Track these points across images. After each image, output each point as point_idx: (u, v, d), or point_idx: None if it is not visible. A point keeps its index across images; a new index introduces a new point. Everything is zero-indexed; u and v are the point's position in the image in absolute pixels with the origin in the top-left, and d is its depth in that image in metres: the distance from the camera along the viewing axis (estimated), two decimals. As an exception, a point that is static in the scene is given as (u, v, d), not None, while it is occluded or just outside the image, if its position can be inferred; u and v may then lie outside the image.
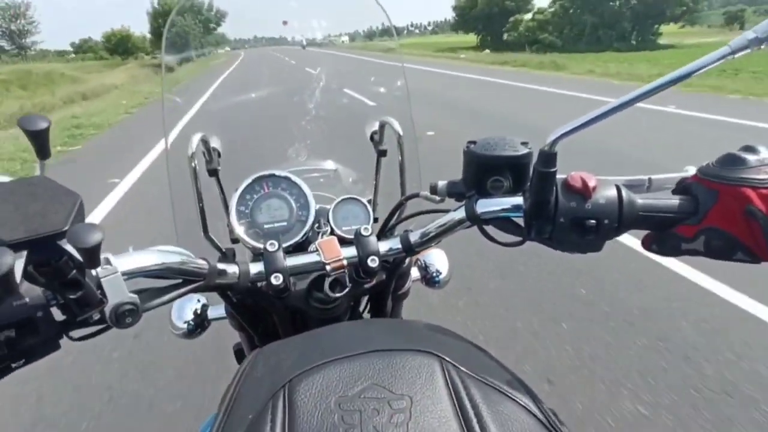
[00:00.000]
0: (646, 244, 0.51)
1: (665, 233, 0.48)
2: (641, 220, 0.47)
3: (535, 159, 0.48)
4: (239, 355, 0.77)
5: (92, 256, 0.31)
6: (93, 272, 0.38)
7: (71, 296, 0.36)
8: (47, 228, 0.31)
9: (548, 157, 0.46)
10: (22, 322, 0.34)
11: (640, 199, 0.47)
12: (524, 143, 0.51)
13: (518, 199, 0.50)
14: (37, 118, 0.36)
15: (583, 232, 0.47)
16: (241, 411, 0.38)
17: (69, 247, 0.32)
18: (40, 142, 0.36)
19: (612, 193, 0.47)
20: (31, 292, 0.35)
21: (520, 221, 0.52)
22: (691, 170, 0.49)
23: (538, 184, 0.48)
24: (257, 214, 0.66)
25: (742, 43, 0.37)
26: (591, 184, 0.46)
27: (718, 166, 0.45)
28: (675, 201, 0.47)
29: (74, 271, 0.35)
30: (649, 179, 0.52)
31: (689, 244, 0.47)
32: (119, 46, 27.52)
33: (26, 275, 0.32)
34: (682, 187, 0.49)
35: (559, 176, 0.48)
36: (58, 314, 0.38)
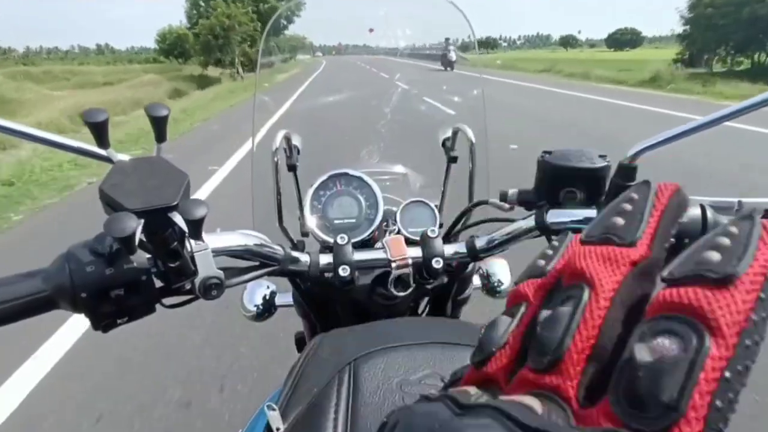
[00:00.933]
0: None
1: None
2: None
3: (612, 172, 0.47)
4: (300, 342, 0.81)
5: (197, 227, 0.35)
6: (188, 247, 0.43)
7: (171, 264, 0.40)
8: (162, 201, 0.36)
9: (628, 171, 0.45)
10: (130, 282, 0.39)
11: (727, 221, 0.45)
12: (602, 156, 0.50)
13: (592, 212, 0.49)
14: (160, 107, 0.41)
15: None
16: (308, 385, 0.40)
17: (177, 219, 0.37)
18: (159, 126, 0.41)
19: (696, 212, 0.45)
20: (139, 258, 0.40)
21: None
22: None
23: (614, 198, 0.46)
24: (329, 209, 0.70)
25: None
26: None
27: None
28: None
29: (176, 243, 0.39)
30: (739, 202, 0.49)
31: None
32: (175, 47, 22.97)
33: (139, 243, 0.36)
34: None
35: None
36: (156, 283, 0.43)
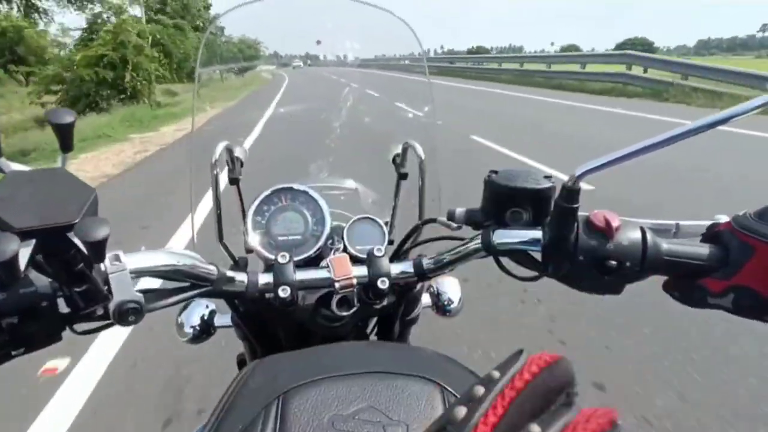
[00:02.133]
0: (668, 289, 0.48)
1: (691, 283, 0.46)
2: (666, 266, 0.45)
3: (557, 194, 0.47)
4: (242, 365, 0.77)
5: (98, 250, 0.31)
6: (102, 267, 0.38)
7: (77, 289, 0.36)
8: (58, 219, 0.32)
9: (570, 193, 0.44)
10: (26, 309, 0.34)
11: (666, 244, 0.45)
12: (547, 177, 0.50)
13: (537, 233, 0.49)
14: (64, 112, 0.37)
15: (602, 272, 0.45)
16: (232, 421, 0.37)
17: (78, 240, 0.32)
18: (64, 134, 0.37)
19: (636, 235, 0.45)
20: (38, 281, 0.35)
21: (538, 255, 0.50)
22: (723, 218, 0.46)
23: (557, 220, 0.46)
24: (273, 225, 0.67)
25: None
26: (614, 224, 0.44)
27: (757, 218, 0.42)
28: (704, 250, 0.45)
29: (81, 264, 0.35)
30: (677, 225, 0.50)
31: (716, 299, 0.44)
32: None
33: (34, 264, 0.32)
34: (712, 234, 0.46)
35: (582, 213, 0.46)
36: (63, 306, 0.38)
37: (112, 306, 0.39)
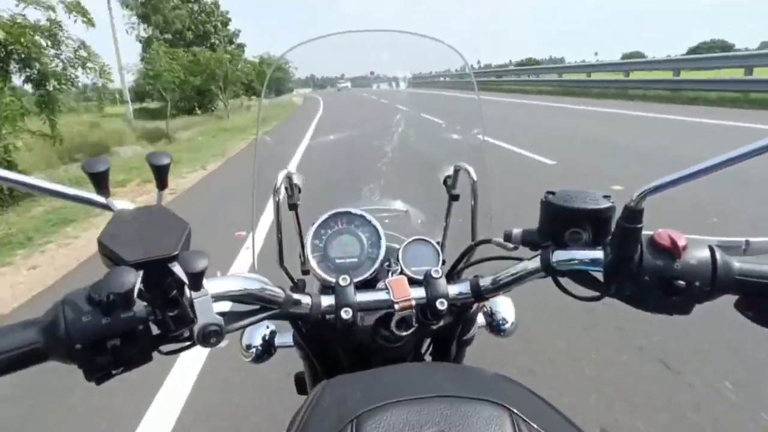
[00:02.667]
0: (741, 308, 0.46)
1: (765, 302, 0.44)
2: (738, 285, 0.44)
3: (618, 214, 0.47)
4: (300, 383, 0.79)
5: (198, 279, 0.35)
6: (187, 294, 0.42)
7: (169, 313, 0.39)
8: (161, 252, 0.35)
9: (634, 213, 0.44)
10: (127, 332, 0.38)
11: (737, 262, 0.44)
12: (606, 196, 0.50)
13: (598, 253, 0.49)
14: (162, 155, 0.41)
15: (669, 293, 0.44)
16: None
17: (177, 269, 0.36)
18: (161, 175, 0.41)
19: (705, 254, 0.44)
20: (136, 308, 0.39)
21: (599, 275, 0.50)
22: None
23: (620, 240, 0.46)
24: (330, 248, 0.69)
25: None
26: (681, 243, 0.44)
27: None
28: None
29: (175, 291, 0.38)
30: (747, 242, 0.48)
31: None
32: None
33: (138, 293, 0.35)
34: None
35: (646, 233, 0.46)
36: (154, 329, 0.42)
37: (196, 329, 0.42)
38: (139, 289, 0.37)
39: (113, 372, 0.40)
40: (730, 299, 0.46)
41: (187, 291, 0.41)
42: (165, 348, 0.44)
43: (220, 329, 0.43)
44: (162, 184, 0.42)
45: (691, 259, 0.44)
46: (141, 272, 0.33)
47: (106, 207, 0.42)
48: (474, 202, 0.72)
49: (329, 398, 0.45)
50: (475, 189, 0.71)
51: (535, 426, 0.38)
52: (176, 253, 0.35)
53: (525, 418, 0.38)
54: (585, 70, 18.62)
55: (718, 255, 0.44)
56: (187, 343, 0.44)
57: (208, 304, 0.42)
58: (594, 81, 16.93)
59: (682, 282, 0.43)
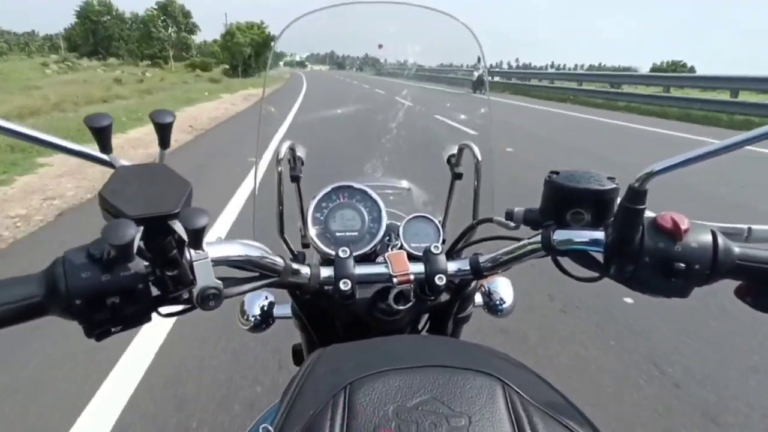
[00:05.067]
0: (740, 294, 0.47)
1: (765, 288, 0.44)
2: (738, 270, 0.44)
3: (621, 195, 0.47)
4: (297, 355, 0.80)
5: (198, 237, 0.35)
6: (187, 256, 0.42)
7: (169, 273, 0.39)
8: (162, 208, 0.35)
9: (637, 194, 0.44)
10: (127, 290, 0.38)
11: (738, 248, 0.44)
12: (611, 178, 0.49)
13: (599, 234, 0.49)
14: (165, 113, 0.41)
15: (669, 275, 0.44)
16: (303, 405, 0.39)
17: (178, 228, 0.36)
18: (163, 133, 0.41)
19: (706, 237, 0.44)
20: (136, 266, 0.39)
21: (599, 256, 0.50)
22: None
23: (623, 221, 0.46)
24: (331, 221, 0.69)
25: None
26: (683, 226, 0.44)
27: None
28: None
29: (175, 251, 0.39)
30: (749, 228, 0.48)
31: None
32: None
33: (137, 249, 0.35)
34: None
35: (648, 215, 0.46)
36: (153, 290, 0.42)
37: (195, 291, 0.42)
38: (139, 247, 0.37)
39: (113, 330, 0.41)
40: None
41: (187, 253, 0.42)
42: (164, 310, 0.44)
43: (219, 293, 0.43)
44: (165, 142, 0.41)
45: (693, 242, 0.44)
46: (141, 228, 0.33)
47: (108, 163, 0.42)
48: (477, 181, 0.72)
49: (324, 366, 0.45)
50: (479, 168, 0.71)
51: (528, 398, 0.38)
52: (177, 210, 0.35)
53: (518, 390, 0.39)
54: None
55: (720, 239, 0.44)
56: (187, 306, 0.45)
57: (208, 267, 0.42)
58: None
59: (682, 264, 0.43)
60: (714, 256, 0.43)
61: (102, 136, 0.39)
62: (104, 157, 0.41)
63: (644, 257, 0.45)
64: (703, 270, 0.43)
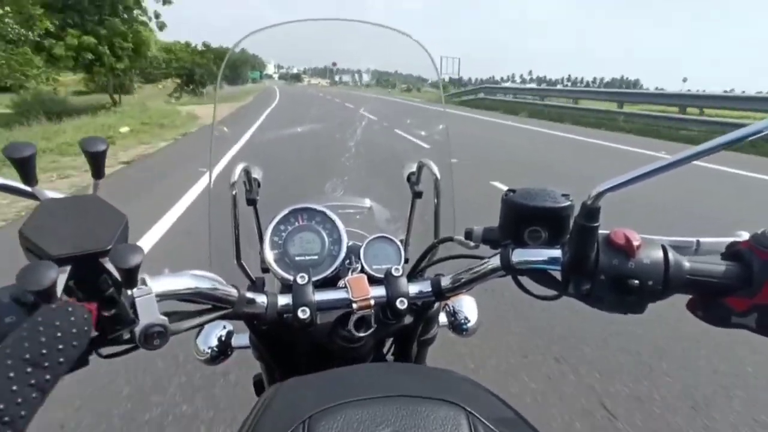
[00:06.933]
0: (692, 308, 0.48)
1: (714, 301, 0.45)
2: (688, 285, 0.45)
3: (576, 212, 0.47)
4: (258, 386, 0.76)
5: (131, 276, 0.32)
6: (129, 292, 0.39)
7: (105, 314, 0.36)
8: (92, 246, 0.32)
9: (591, 212, 0.44)
10: None
11: (688, 262, 0.45)
12: (565, 195, 0.50)
13: (556, 252, 0.49)
14: (98, 141, 0.38)
15: (624, 291, 0.44)
16: None
17: (110, 266, 0.33)
18: (96, 162, 0.38)
19: (657, 253, 0.45)
20: None
21: (557, 275, 0.50)
22: (744, 235, 0.46)
23: (578, 238, 0.46)
24: (290, 245, 0.67)
25: None
26: (635, 242, 0.44)
27: None
28: (726, 268, 0.44)
29: (111, 289, 0.36)
30: (698, 242, 0.50)
31: (740, 318, 0.44)
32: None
33: (66, 290, 0.32)
34: (732, 253, 0.46)
35: (602, 231, 0.46)
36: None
37: (138, 330, 0.39)
38: (69, 287, 0.34)
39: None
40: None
41: (129, 290, 0.39)
42: (104, 351, 0.41)
43: (164, 330, 0.40)
44: (98, 172, 0.38)
45: (645, 258, 0.44)
46: (68, 268, 0.31)
47: (32, 196, 0.38)
48: (437, 199, 0.72)
49: (281, 400, 0.43)
50: (438, 186, 0.70)
51: (492, 427, 0.37)
52: (109, 247, 0.33)
53: (482, 419, 0.38)
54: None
55: (671, 255, 0.44)
56: (128, 346, 0.42)
57: (152, 303, 0.40)
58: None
59: (636, 281, 0.44)
60: (666, 272, 0.44)
61: (25, 166, 0.36)
62: (27, 189, 0.38)
63: (600, 275, 0.45)
64: (656, 286, 0.44)
